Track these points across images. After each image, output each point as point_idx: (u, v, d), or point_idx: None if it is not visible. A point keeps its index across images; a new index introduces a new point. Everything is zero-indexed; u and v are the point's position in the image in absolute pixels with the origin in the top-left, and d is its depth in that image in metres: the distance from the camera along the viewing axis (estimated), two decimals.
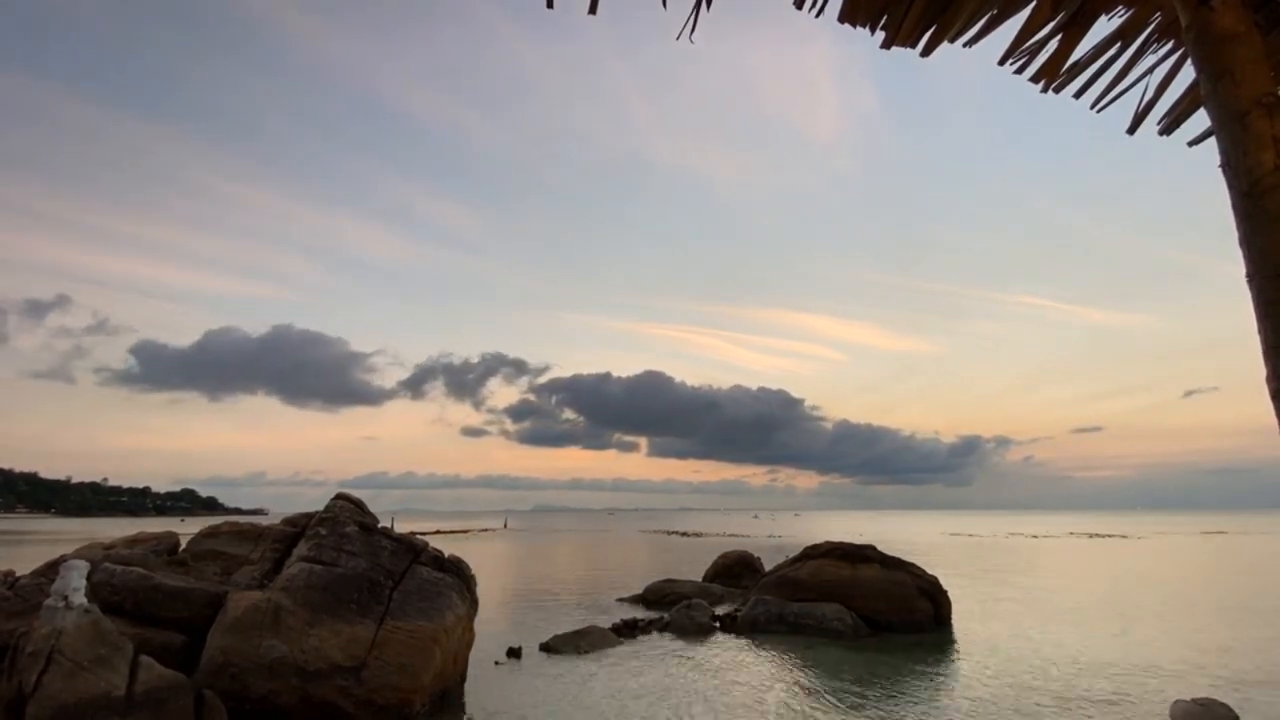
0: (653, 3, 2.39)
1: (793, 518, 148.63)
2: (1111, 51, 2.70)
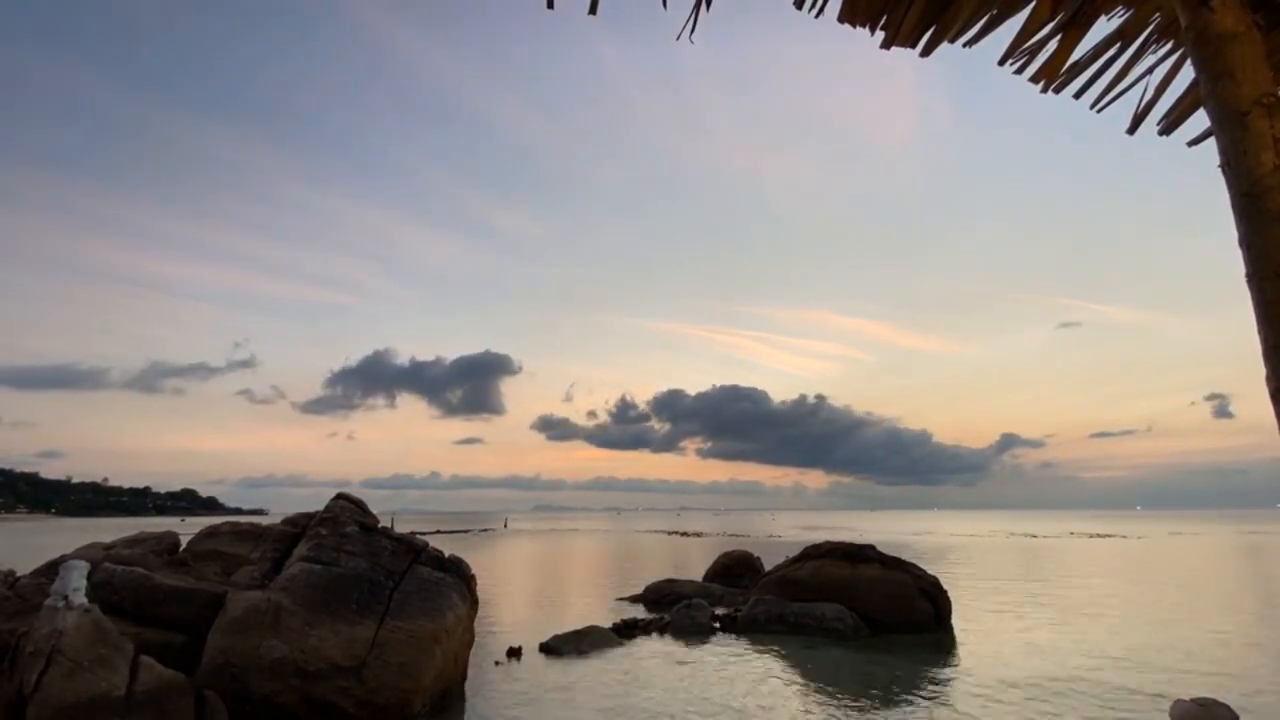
0: (653, 4, 2.39)
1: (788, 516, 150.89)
2: (1111, 52, 2.70)
